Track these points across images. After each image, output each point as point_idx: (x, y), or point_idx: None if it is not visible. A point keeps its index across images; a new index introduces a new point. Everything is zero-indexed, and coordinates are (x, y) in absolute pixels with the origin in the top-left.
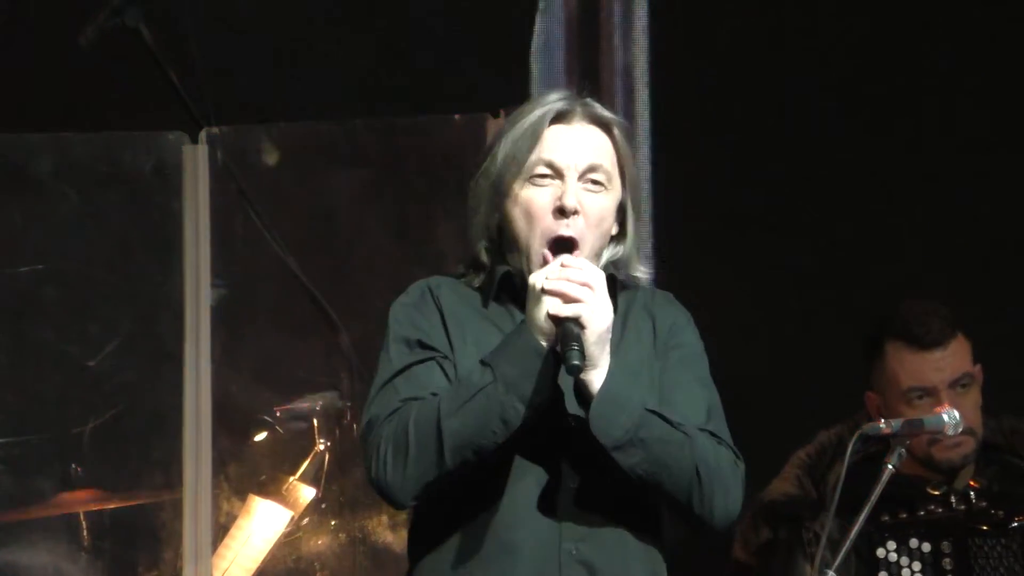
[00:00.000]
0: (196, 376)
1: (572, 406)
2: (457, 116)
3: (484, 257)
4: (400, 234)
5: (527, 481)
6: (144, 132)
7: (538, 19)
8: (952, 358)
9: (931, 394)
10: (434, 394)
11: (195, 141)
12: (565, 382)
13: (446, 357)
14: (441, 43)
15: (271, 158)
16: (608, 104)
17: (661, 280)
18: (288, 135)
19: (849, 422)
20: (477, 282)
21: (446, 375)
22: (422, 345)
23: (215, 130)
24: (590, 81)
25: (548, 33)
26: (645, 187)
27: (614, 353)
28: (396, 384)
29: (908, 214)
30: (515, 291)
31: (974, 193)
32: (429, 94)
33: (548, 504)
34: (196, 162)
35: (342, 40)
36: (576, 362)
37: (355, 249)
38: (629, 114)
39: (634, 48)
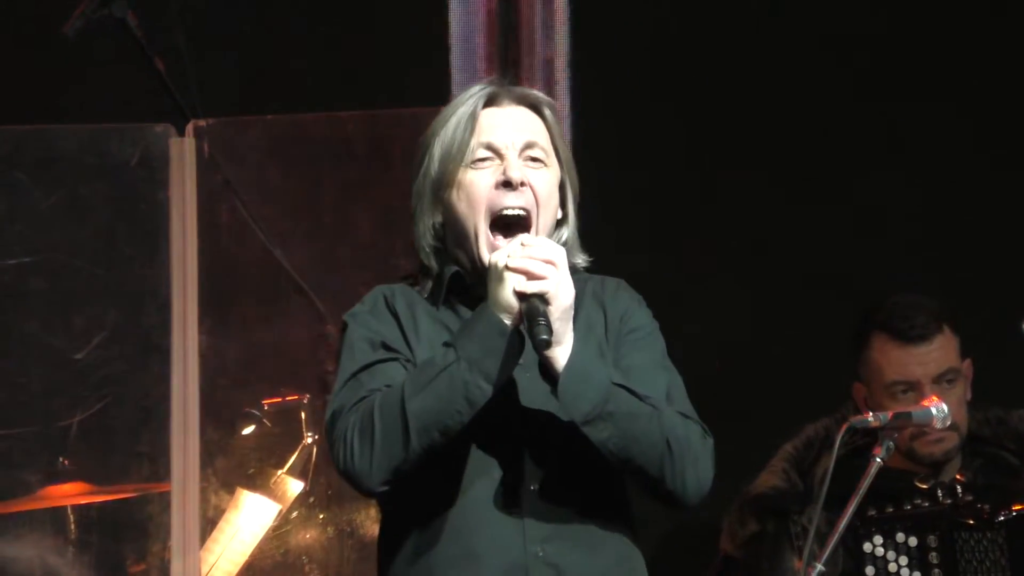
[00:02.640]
0: (183, 368)
1: (527, 400)
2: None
3: (431, 261)
4: (386, 225)
5: (487, 483)
6: (131, 124)
7: (455, 9)
8: (937, 353)
9: (914, 388)
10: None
11: (182, 133)
12: (519, 374)
13: (408, 360)
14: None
15: None
16: None
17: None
18: (274, 127)
19: (836, 415)
20: (428, 288)
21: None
22: (386, 346)
23: (202, 122)
24: (511, 72)
25: (467, 24)
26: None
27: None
28: (361, 378)
29: (898, 202)
30: (464, 290)
31: (967, 185)
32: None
33: (510, 505)
34: (183, 154)
35: (325, 32)
36: (544, 336)
37: (341, 240)
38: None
39: (555, 39)
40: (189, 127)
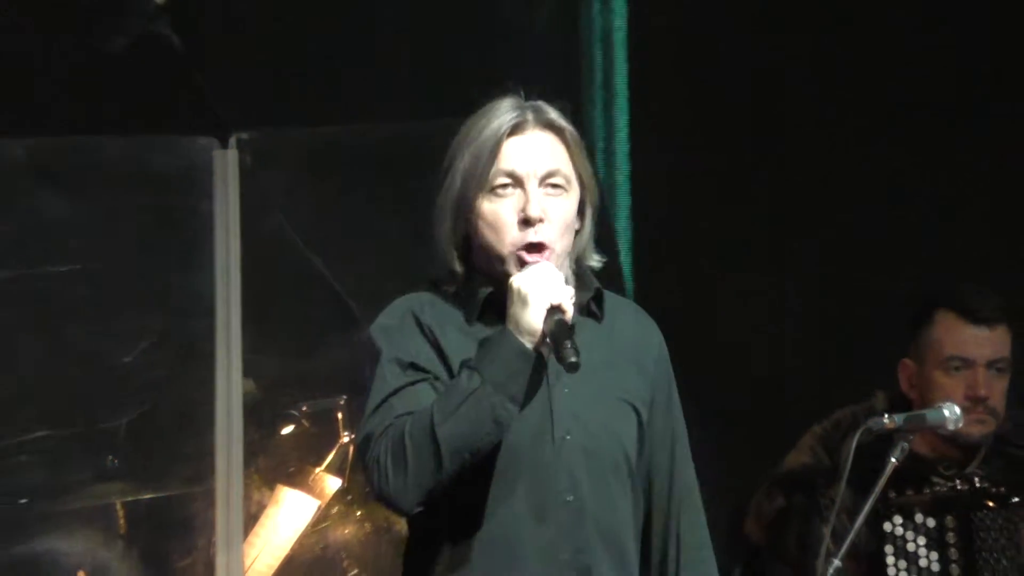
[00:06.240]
0: (227, 372)
1: (562, 414)
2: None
3: (457, 267)
4: (418, 235)
5: (527, 497)
6: (175, 136)
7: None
8: (997, 339)
9: (969, 366)
10: None
11: (225, 145)
12: (556, 390)
13: (438, 378)
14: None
15: None
16: (588, 113)
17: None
18: (313, 139)
19: (865, 404)
20: (453, 289)
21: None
22: (415, 367)
23: (244, 135)
24: (566, 92)
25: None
26: (622, 180)
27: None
28: (392, 403)
29: (924, 205)
30: (497, 307)
31: (996, 185)
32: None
33: (547, 516)
34: (226, 165)
35: (365, 47)
36: (574, 359)
37: (376, 250)
38: (609, 127)
39: (613, 57)
40: (232, 139)
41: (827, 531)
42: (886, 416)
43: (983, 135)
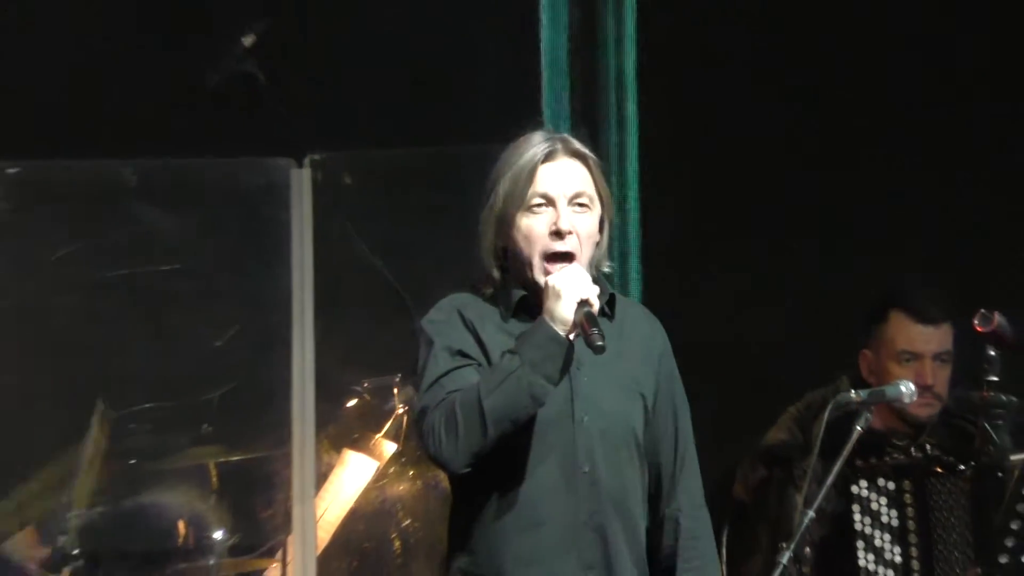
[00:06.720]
0: (302, 355)
1: (584, 396)
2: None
3: (495, 273)
4: (461, 241)
5: (550, 466)
6: (258, 158)
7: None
8: (941, 336)
9: (918, 359)
10: None
11: (300, 165)
12: (577, 376)
13: (480, 364)
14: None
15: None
16: (604, 138)
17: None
18: (373, 160)
19: (832, 386)
20: (490, 291)
21: None
22: (462, 354)
23: (316, 156)
24: (586, 120)
25: (555, 64)
26: (632, 196)
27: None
28: (443, 382)
29: (924, 205)
30: (527, 307)
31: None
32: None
33: (568, 483)
34: (301, 182)
35: (409, 82)
36: (601, 343)
37: (427, 252)
38: (622, 150)
39: (625, 90)
40: (306, 160)
41: (800, 498)
42: (852, 392)
43: (983, 135)
